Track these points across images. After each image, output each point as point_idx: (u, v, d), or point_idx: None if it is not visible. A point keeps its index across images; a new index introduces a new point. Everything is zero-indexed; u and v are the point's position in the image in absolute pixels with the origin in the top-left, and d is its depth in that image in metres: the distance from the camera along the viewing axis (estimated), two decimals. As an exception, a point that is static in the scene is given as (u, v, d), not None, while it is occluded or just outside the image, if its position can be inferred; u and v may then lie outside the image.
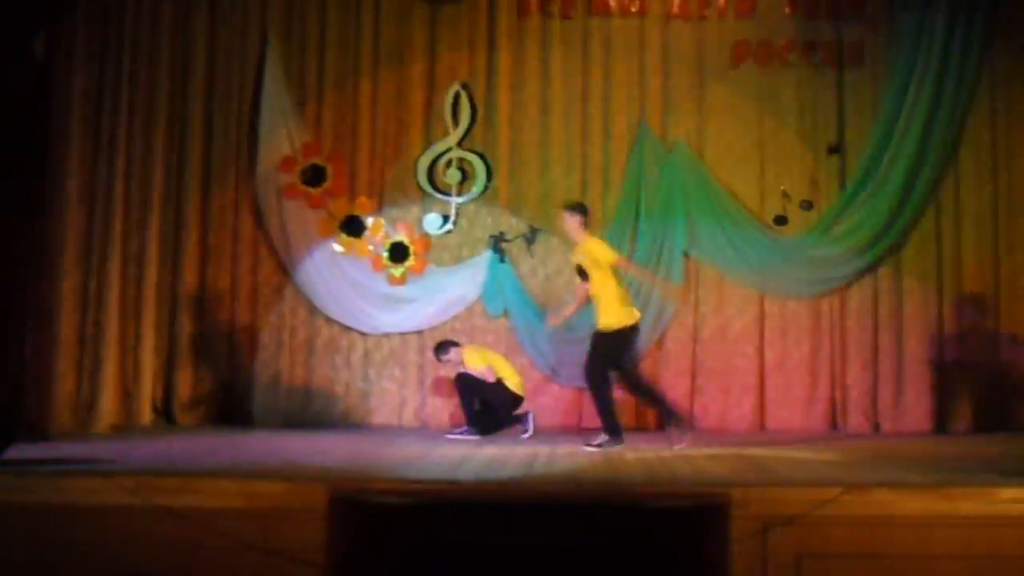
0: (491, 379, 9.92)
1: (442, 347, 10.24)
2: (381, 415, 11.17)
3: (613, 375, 9.24)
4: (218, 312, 11.20)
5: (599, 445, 8.96)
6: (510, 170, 11.35)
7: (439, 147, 11.34)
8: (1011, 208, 11.00)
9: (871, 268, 11.08)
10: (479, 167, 11.31)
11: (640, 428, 10.89)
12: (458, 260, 11.36)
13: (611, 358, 9.18)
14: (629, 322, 9.16)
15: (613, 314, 9.10)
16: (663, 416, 9.54)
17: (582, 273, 9.28)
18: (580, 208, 9.56)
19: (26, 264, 9.23)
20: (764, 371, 11.02)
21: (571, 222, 9.43)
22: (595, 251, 9.21)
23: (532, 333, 11.15)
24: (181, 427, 10.79)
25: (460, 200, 11.33)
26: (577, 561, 3.87)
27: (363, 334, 11.27)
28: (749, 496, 5.88)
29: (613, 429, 9.10)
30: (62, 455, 7.61)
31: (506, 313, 11.24)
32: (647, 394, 9.67)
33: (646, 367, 11.06)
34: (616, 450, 8.85)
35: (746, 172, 11.28)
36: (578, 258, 9.35)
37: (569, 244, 10.09)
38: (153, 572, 6.01)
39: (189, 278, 11.14)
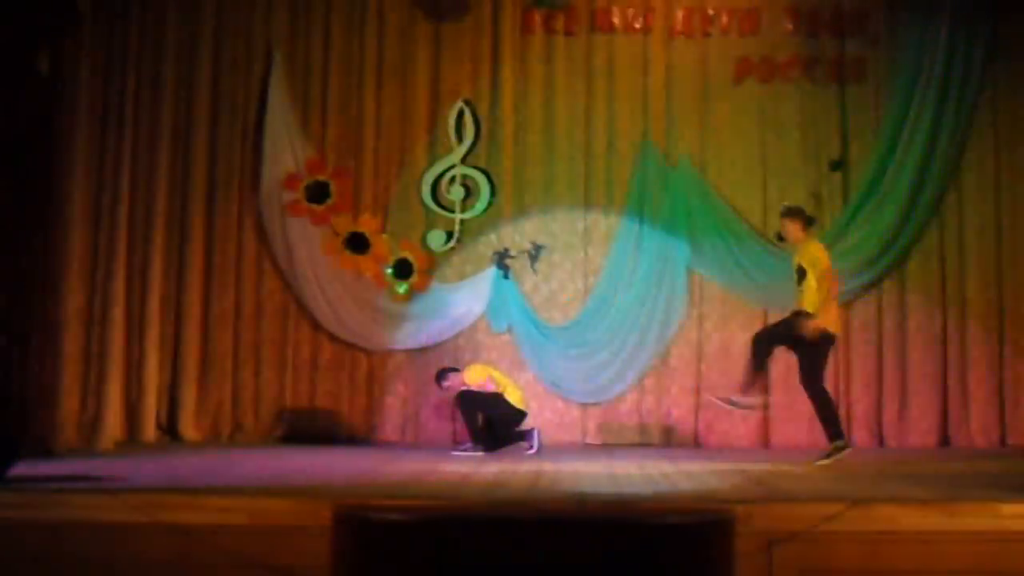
0: (491, 388, 9.90)
1: (441, 375, 10.21)
2: (385, 432, 11.17)
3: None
4: (222, 329, 11.22)
5: (827, 456, 8.83)
6: (514, 186, 11.38)
7: (443, 164, 11.38)
8: (1014, 222, 11.02)
9: (875, 283, 11.11)
10: (483, 183, 11.34)
11: (644, 444, 10.93)
12: (462, 277, 11.37)
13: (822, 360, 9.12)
14: (829, 329, 9.02)
15: (832, 316, 9.03)
16: (826, 430, 9.10)
17: (801, 274, 9.06)
18: (799, 212, 9.35)
19: (31, 280, 9.24)
20: (768, 387, 11.00)
21: (791, 226, 9.22)
22: (814, 253, 9.02)
23: (536, 349, 11.17)
24: (185, 444, 10.80)
25: (464, 216, 11.35)
26: (582, 578, 3.87)
27: (367, 351, 11.28)
28: (753, 512, 5.87)
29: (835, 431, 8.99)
30: (67, 472, 7.61)
31: (510, 329, 11.26)
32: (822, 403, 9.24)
33: (653, 383, 11.11)
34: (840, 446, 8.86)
35: (749, 188, 11.30)
36: (798, 259, 9.13)
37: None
38: (158, 589, 6.01)
39: (193, 295, 11.16)
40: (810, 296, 8.90)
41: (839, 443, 8.89)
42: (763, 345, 9.30)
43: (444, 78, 11.47)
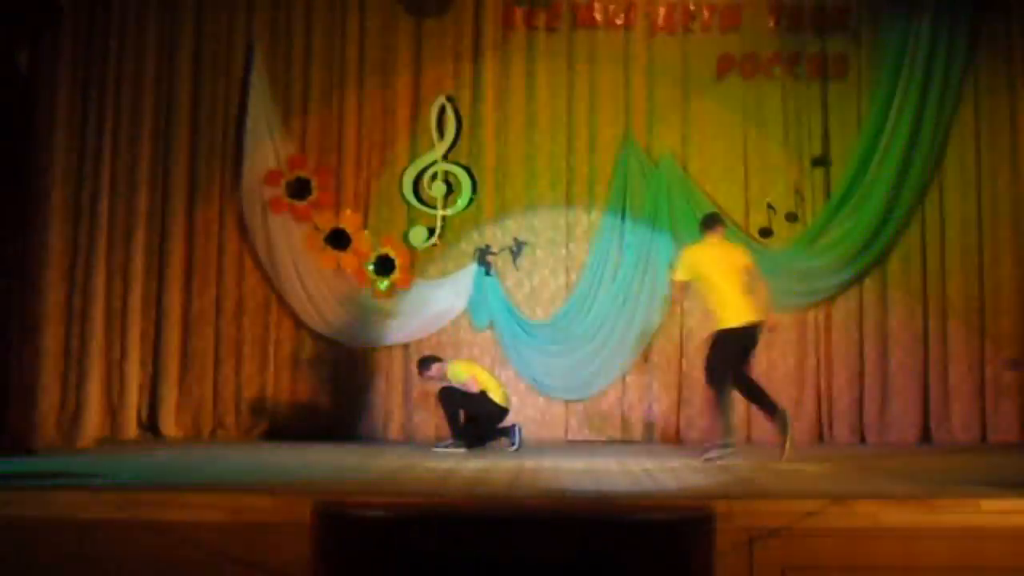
0: (474, 389, 9.88)
1: (424, 363, 10.20)
2: (366, 428, 11.14)
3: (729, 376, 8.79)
4: (203, 326, 11.18)
5: (714, 455, 8.53)
6: (496, 183, 11.36)
7: (425, 160, 11.35)
8: (995, 220, 11.04)
9: (856, 280, 11.12)
10: (464, 180, 11.32)
11: (625, 440, 10.93)
12: (443, 273, 11.35)
13: (730, 358, 8.75)
14: (748, 320, 8.68)
15: (733, 312, 8.68)
16: (774, 423, 8.84)
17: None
18: (705, 221, 9.21)
19: (10, 277, 9.20)
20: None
21: (704, 235, 9.06)
22: (683, 256, 8.90)
23: (518, 345, 11.16)
24: (167, 441, 10.76)
25: (446, 213, 11.33)
26: (562, 574, 3.86)
27: (348, 347, 11.25)
28: (734, 509, 5.87)
29: (727, 430, 8.69)
30: (47, 469, 7.58)
31: (492, 326, 11.25)
32: (757, 398, 9.00)
33: (634, 380, 11.11)
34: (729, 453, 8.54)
35: (731, 184, 11.30)
36: None
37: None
38: (138, 586, 5.99)
39: (174, 292, 11.11)
40: (724, 293, 8.72)
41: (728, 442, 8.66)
42: (720, 384, 8.83)
43: (426, 74, 11.44)
